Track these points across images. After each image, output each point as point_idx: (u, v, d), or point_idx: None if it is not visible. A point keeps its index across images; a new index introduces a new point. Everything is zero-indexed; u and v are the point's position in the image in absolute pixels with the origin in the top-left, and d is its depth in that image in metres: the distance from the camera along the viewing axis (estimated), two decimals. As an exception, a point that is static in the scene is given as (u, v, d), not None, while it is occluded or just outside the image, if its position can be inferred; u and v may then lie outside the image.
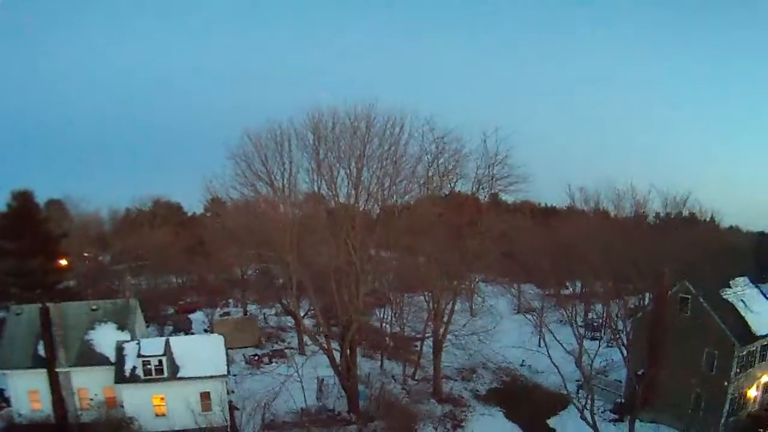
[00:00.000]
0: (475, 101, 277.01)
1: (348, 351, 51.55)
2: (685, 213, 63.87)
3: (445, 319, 58.17)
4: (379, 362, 64.95)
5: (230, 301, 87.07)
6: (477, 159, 54.36)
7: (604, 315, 58.17)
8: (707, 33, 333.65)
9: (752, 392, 52.10)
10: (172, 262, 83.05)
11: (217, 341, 47.64)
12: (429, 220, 53.62)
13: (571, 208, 68.37)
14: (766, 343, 51.97)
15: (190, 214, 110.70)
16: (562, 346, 47.36)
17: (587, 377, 47.80)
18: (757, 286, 58.90)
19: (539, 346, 56.05)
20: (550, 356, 47.57)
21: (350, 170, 49.08)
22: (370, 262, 52.19)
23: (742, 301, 52.02)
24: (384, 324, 69.76)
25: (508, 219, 59.51)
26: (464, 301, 72.48)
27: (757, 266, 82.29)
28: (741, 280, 55.89)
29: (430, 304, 58.09)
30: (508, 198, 62.97)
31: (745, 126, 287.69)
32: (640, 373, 49.07)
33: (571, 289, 77.47)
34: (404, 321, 64.67)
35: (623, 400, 54.63)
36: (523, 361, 64.27)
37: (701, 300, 49.16)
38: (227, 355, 47.11)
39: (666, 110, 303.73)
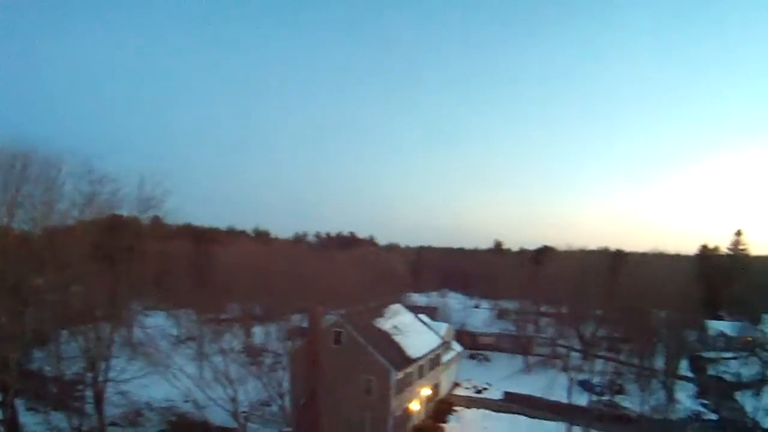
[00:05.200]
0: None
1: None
2: (345, 233, 66.83)
3: (104, 362, 52.39)
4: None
5: None
6: (133, 202, 53.14)
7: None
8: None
9: (414, 406, 56.65)
10: None
11: None
12: (81, 249, 48.82)
13: (231, 230, 67.49)
14: (422, 363, 56.74)
15: None
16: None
17: (236, 416, 47.55)
18: (410, 311, 63.80)
19: (201, 377, 53.89)
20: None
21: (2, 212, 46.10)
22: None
23: (396, 327, 55.46)
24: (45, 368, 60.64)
25: (167, 242, 57.19)
26: (123, 338, 66.07)
27: (414, 278, 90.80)
28: (395, 307, 59.94)
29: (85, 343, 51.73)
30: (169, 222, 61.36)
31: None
32: (303, 402, 49.70)
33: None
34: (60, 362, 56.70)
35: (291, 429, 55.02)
36: (188, 397, 59.87)
37: (354, 333, 51.41)
38: None
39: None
